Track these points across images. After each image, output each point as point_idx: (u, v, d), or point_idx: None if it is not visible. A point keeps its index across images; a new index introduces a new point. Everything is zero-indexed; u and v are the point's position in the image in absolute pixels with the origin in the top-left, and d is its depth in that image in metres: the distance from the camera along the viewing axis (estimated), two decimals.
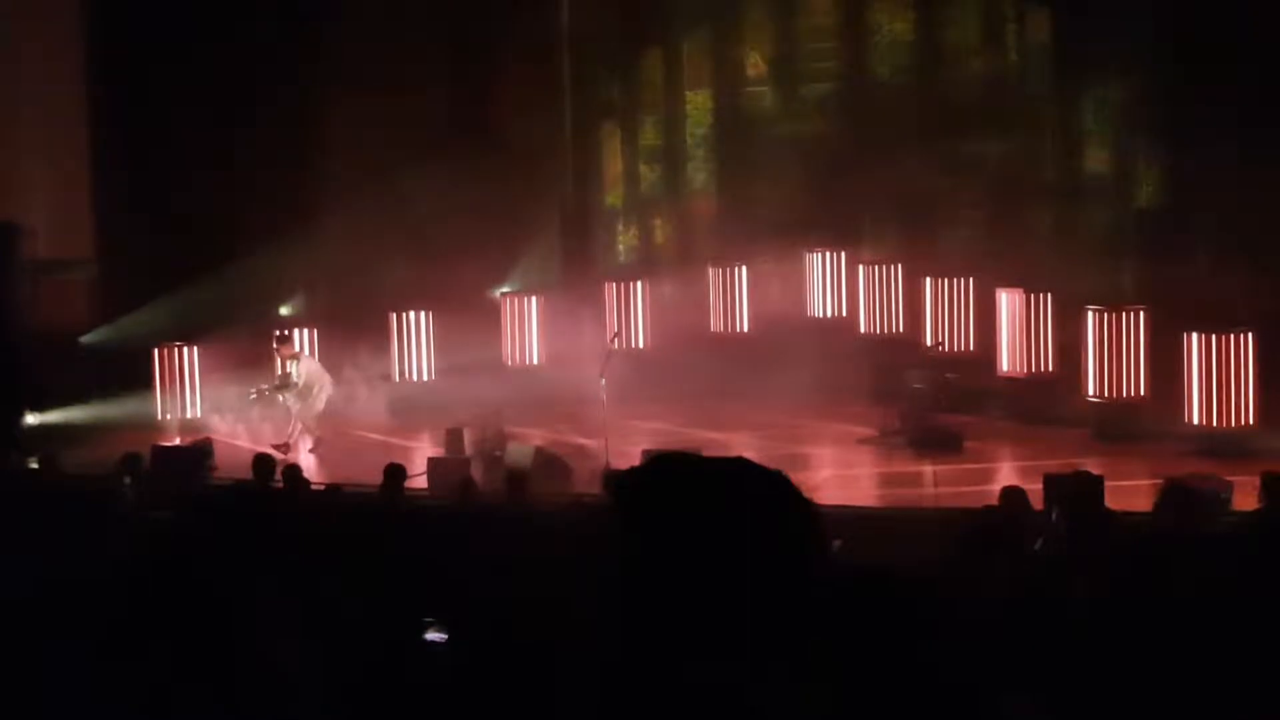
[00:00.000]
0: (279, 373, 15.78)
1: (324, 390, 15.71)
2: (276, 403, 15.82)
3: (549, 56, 19.29)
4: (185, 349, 16.90)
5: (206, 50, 17.49)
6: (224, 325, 16.76)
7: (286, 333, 16.42)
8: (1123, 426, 14.18)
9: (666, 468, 1.75)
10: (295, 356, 15.86)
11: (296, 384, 15.53)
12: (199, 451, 13.83)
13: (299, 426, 15.48)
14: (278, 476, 10.51)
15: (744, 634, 1.65)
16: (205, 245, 17.45)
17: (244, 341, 16.79)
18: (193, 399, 16.88)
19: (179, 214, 17.66)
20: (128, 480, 10.92)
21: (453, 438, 14.12)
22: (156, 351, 16.88)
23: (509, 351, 18.04)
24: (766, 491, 1.73)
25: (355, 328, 16.97)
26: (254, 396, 15.86)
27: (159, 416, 16.70)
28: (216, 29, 17.59)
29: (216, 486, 12.11)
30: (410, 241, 18.28)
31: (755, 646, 1.65)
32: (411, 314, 17.67)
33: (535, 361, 17.94)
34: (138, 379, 16.71)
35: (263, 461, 10.83)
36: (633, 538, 1.70)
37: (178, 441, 15.24)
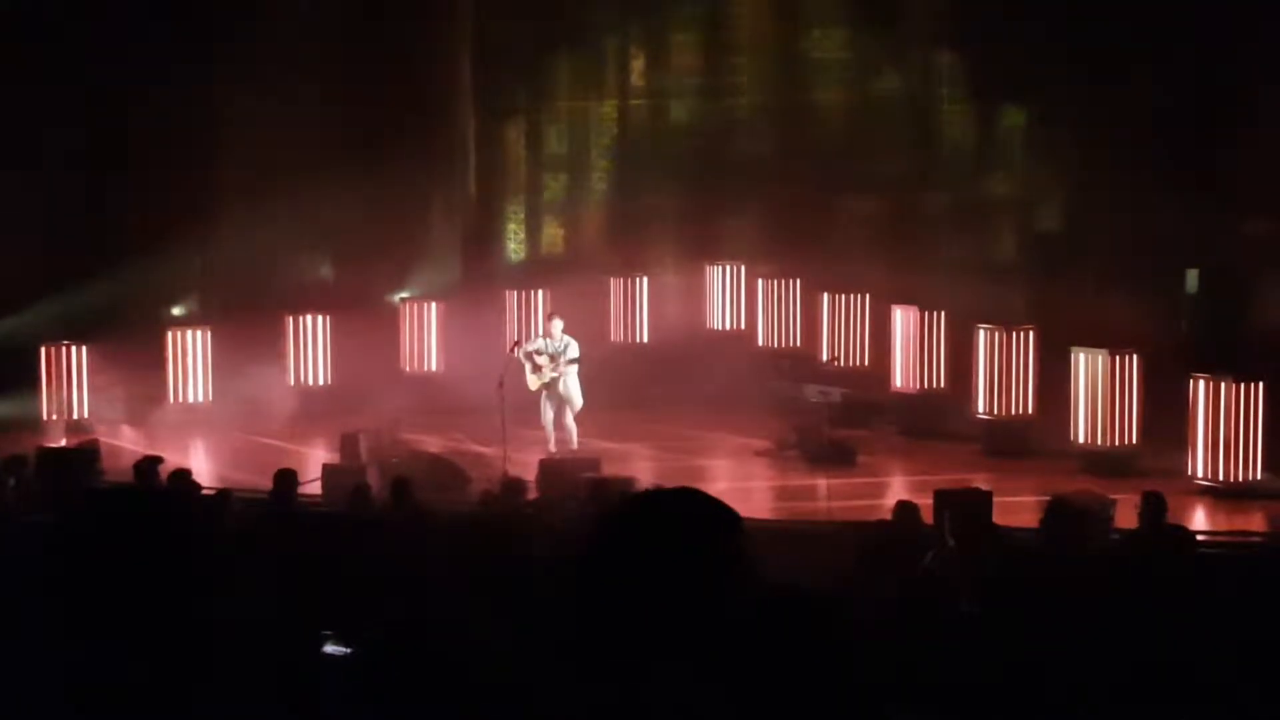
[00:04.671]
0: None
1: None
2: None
3: (454, 61, 19.20)
4: (73, 348, 16.50)
5: (100, 47, 17.09)
6: (114, 325, 16.40)
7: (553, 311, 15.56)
8: (1011, 443, 14.48)
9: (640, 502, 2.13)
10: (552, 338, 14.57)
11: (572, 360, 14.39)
12: (86, 454, 13.49)
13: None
14: (162, 480, 10.27)
15: (669, 641, 1.92)
16: (96, 244, 17.06)
17: (135, 341, 16.45)
18: (80, 399, 16.48)
19: (69, 212, 17.24)
20: (12, 482, 10.63)
21: (348, 444, 13.96)
22: (43, 350, 16.46)
23: (407, 357, 17.89)
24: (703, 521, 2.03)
25: (250, 330, 16.70)
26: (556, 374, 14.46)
27: (44, 417, 16.28)
28: (113, 25, 17.19)
29: (103, 489, 11.83)
30: (308, 244, 18.04)
31: (671, 653, 1.90)
32: (308, 317, 17.43)
33: (434, 368, 17.81)
34: (24, 379, 16.27)
35: (146, 465, 10.56)
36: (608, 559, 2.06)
37: (64, 443, 14.86)
